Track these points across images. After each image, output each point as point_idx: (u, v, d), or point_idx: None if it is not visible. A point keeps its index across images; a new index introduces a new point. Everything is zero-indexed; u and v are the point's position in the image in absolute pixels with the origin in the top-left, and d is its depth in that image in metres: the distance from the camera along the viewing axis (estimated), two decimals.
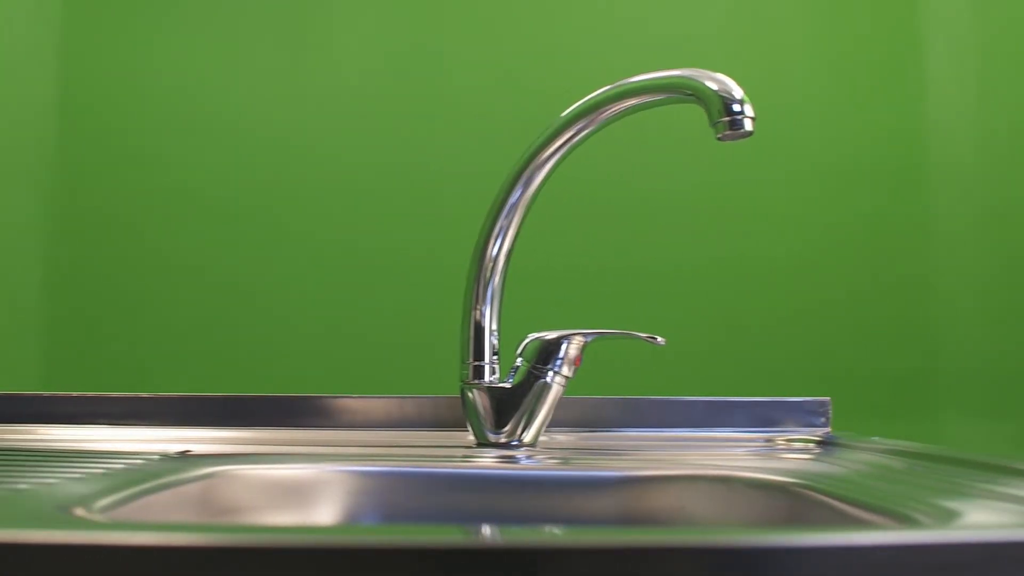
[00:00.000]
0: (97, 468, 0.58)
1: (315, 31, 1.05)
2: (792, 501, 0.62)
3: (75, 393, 0.85)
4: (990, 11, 1.08)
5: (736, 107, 0.66)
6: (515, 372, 0.76)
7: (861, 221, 1.05)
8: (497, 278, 0.77)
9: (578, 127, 0.72)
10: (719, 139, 0.67)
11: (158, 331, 1.01)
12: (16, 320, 1.01)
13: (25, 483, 0.51)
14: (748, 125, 0.66)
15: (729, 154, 1.04)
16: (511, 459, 0.70)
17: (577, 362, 0.76)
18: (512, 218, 0.76)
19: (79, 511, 0.42)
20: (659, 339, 0.75)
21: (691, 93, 0.68)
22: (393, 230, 1.03)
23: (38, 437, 0.82)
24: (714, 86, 0.67)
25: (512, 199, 0.75)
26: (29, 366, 1.01)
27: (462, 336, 0.77)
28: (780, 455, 0.77)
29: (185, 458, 0.65)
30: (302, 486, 0.65)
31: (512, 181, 0.75)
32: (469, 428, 0.77)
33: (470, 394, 0.76)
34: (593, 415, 0.85)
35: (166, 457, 0.66)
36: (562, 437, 0.83)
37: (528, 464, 0.68)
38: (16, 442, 0.78)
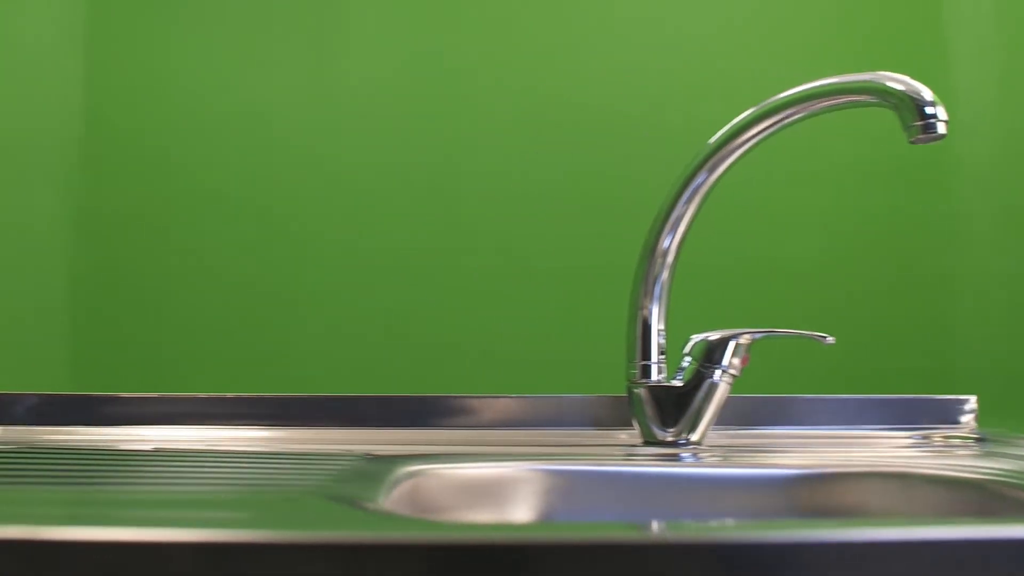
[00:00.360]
0: (323, 469, 0.59)
1: (335, 33, 1.05)
2: (980, 496, 0.62)
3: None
4: (1014, 10, 1.07)
5: (929, 110, 0.66)
6: (682, 371, 0.77)
7: (884, 219, 1.04)
8: (666, 273, 0.77)
9: (761, 127, 0.73)
10: (912, 143, 0.67)
11: (182, 331, 1.01)
12: (42, 320, 1.01)
13: (297, 483, 0.52)
14: (941, 128, 0.66)
15: (754, 155, 1.04)
16: (685, 458, 0.71)
17: (744, 361, 0.77)
18: (688, 207, 0.76)
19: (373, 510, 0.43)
20: (829, 338, 0.76)
21: (881, 96, 0.68)
22: (413, 231, 1.03)
23: (203, 437, 0.83)
24: (904, 89, 0.67)
25: (695, 183, 0.75)
26: (56, 366, 1.01)
27: (628, 335, 0.78)
28: (943, 451, 0.77)
29: (384, 459, 0.66)
30: (496, 485, 0.66)
31: (694, 170, 0.76)
32: (635, 426, 0.78)
33: (638, 393, 0.77)
34: (744, 413, 0.86)
35: (370, 458, 0.67)
36: (715, 435, 0.84)
37: (710, 462, 0.69)
38: (205, 444, 0.80)
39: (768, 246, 1.04)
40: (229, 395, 0.88)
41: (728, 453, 0.73)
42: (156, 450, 0.71)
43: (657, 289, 0.77)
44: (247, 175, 1.03)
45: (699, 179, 0.76)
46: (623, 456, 0.71)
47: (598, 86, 1.04)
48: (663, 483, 0.67)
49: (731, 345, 0.76)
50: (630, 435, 0.83)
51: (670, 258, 0.77)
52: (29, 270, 1.02)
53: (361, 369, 1.01)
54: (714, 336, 0.77)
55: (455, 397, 0.86)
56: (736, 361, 0.76)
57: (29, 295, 1.02)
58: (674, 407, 0.76)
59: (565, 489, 0.66)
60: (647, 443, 0.77)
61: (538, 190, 1.02)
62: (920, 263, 1.04)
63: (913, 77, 1.03)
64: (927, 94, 0.66)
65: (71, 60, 1.04)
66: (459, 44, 1.04)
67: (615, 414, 0.85)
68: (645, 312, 0.77)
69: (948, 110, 1.04)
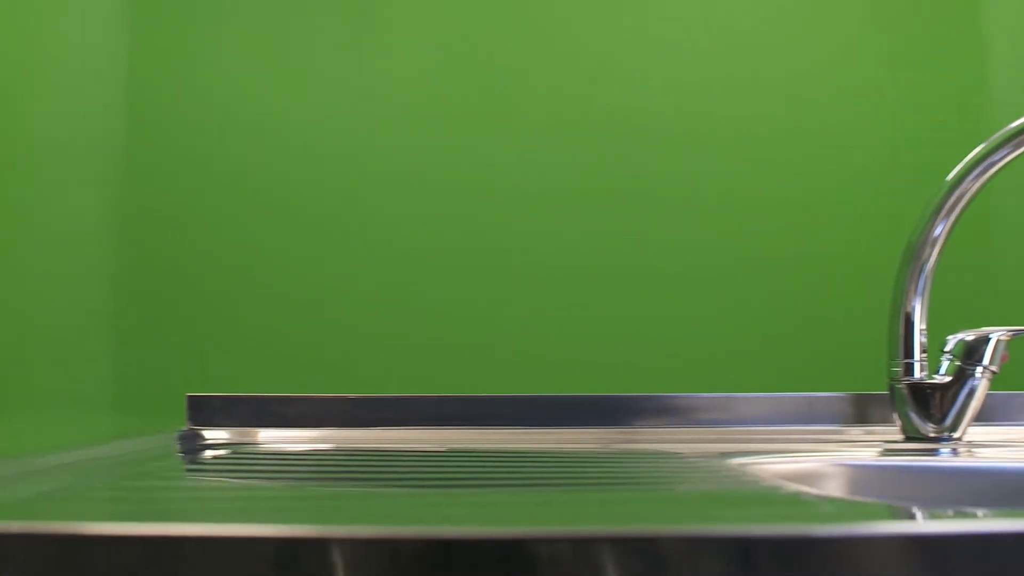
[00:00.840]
0: (663, 467, 0.62)
1: (373, 36, 1.05)
2: None
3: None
4: None
5: None
6: (943, 368, 0.79)
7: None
8: (930, 264, 0.79)
9: None
10: None
11: (224, 331, 1.02)
12: (86, 321, 1.02)
13: (676, 481, 0.54)
14: None
15: (792, 151, 1.05)
16: (950, 452, 0.73)
17: (1004, 359, 0.79)
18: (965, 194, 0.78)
19: None
20: None
21: None
22: (453, 231, 1.04)
23: (441, 438, 0.86)
24: None
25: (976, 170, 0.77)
26: (99, 367, 1.02)
27: (890, 332, 0.80)
28: None
29: (696, 457, 0.69)
30: (808, 478, 0.68)
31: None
32: (896, 422, 0.80)
33: (901, 389, 0.79)
34: (991, 408, 0.88)
35: (704, 456, 0.69)
36: (971, 431, 0.86)
37: (987, 456, 0.71)
38: (464, 444, 0.82)
39: (810, 243, 0.97)
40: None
41: (991, 448, 0.75)
42: (449, 450, 0.73)
43: (920, 287, 0.79)
44: (288, 176, 1.04)
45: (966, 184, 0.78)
46: (911, 451, 0.73)
47: (627, 87, 1.04)
48: (947, 476, 0.68)
49: (991, 343, 0.78)
50: (884, 430, 0.85)
51: (931, 262, 0.79)
52: (73, 271, 1.02)
53: (408, 369, 1.02)
54: (971, 336, 0.79)
55: (712, 397, 0.88)
56: (996, 358, 0.78)
57: (73, 296, 1.02)
58: (937, 404, 0.78)
59: (870, 482, 0.68)
60: (909, 439, 0.79)
61: (570, 190, 1.03)
62: (957, 261, 1.06)
63: (950, 75, 1.03)
64: None
65: (115, 62, 1.05)
66: (492, 45, 1.05)
67: (857, 411, 0.87)
68: (908, 310, 0.79)
69: (983, 107, 1.06)
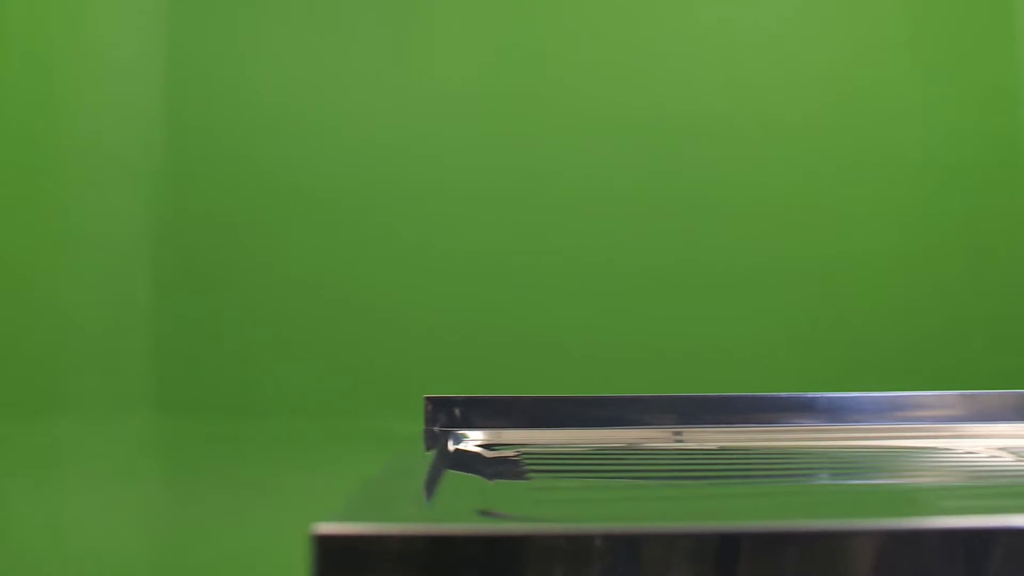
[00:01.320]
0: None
1: (418, 31, 1.04)
2: None
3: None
4: None
5: None
6: None
7: (959, 216, 1.03)
8: None
9: None
10: None
11: (266, 333, 1.02)
12: (127, 326, 1.02)
13: None
14: None
15: (828, 151, 1.05)
16: None
17: None
18: None
19: None
20: None
21: None
22: (497, 232, 1.03)
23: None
24: None
25: None
26: (141, 370, 1.02)
27: None
28: None
29: None
30: None
31: None
32: None
33: None
34: None
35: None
36: None
37: None
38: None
39: (846, 242, 1.03)
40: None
41: None
42: (720, 448, 0.74)
43: None
44: (328, 175, 1.03)
45: None
46: None
47: (668, 88, 1.04)
48: None
49: None
50: None
51: None
52: (114, 274, 1.02)
53: (464, 369, 1.01)
54: None
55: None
56: None
57: (113, 297, 1.02)
58: None
59: None
60: None
61: (620, 191, 1.03)
62: (995, 262, 1.03)
63: (989, 75, 1.01)
64: None
65: (154, 61, 1.04)
66: (541, 45, 1.04)
67: None
68: None
69: (1014, 106, 1.02)
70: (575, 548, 0.35)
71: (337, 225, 1.03)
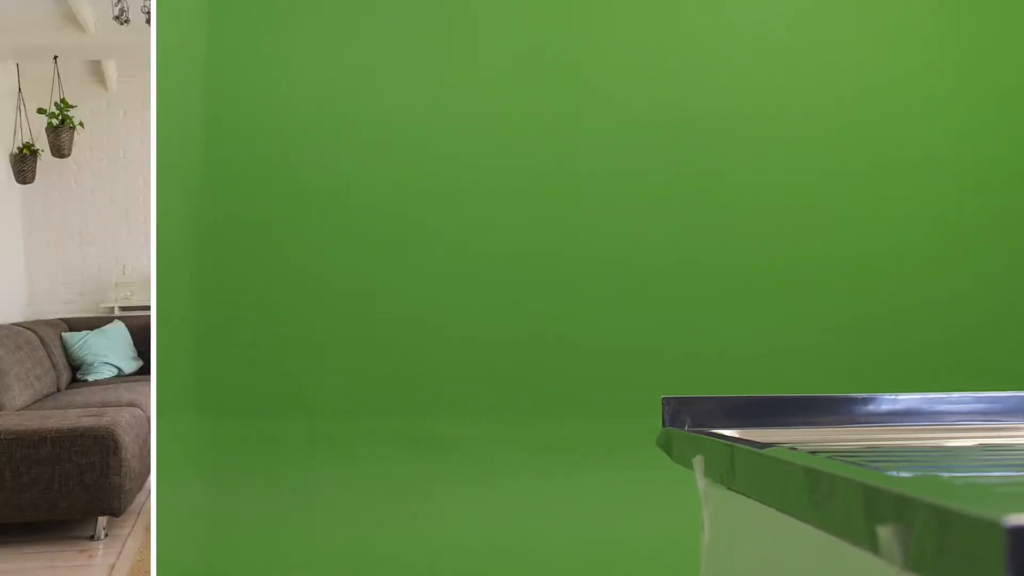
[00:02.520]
0: None
1: (455, 36, 1.04)
2: None
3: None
4: None
5: None
6: None
7: (988, 217, 1.03)
8: None
9: None
10: None
11: (304, 332, 1.02)
12: (169, 327, 1.01)
13: None
14: None
15: (858, 152, 1.04)
16: None
17: None
18: None
19: None
20: None
21: None
22: (531, 232, 1.03)
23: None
24: None
25: None
26: (181, 370, 1.02)
27: None
28: None
29: None
30: None
31: None
32: None
33: None
34: None
35: None
36: None
37: None
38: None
39: (873, 242, 1.03)
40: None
41: None
42: (979, 445, 0.72)
43: None
44: (368, 181, 1.03)
45: None
46: None
47: (712, 90, 1.05)
48: None
49: None
50: None
51: None
52: (158, 276, 1.02)
53: (500, 373, 1.01)
54: None
55: None
56: None
57: (160, 300, 1.02)
58: None
59: None
60: None
61: (656, 191, 1.04)
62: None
63: (1018, 79, 1.01)
64: None
65: (193, 67, 1.04)
66: (578, 48, 1.04)
67: None
68: None
69: None
70: None
71: (375, 229, 1.04)
